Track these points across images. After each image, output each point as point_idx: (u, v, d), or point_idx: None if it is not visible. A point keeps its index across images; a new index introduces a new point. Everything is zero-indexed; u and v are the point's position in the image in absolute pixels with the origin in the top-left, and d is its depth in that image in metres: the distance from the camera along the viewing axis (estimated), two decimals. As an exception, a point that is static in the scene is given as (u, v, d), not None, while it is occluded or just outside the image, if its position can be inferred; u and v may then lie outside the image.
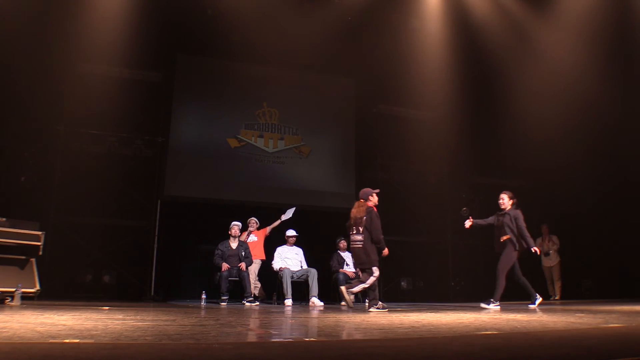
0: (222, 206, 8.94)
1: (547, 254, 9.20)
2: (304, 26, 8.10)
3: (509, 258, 6.09)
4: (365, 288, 5.57)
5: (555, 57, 8.65)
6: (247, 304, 7.06)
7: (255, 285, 7.76)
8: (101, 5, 7.54)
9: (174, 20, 8.19)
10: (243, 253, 7.41)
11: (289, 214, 8.11)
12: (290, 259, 7.82)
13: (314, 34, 8.18)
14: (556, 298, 9.03)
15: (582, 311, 5.11)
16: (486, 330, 3.23)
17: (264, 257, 8.01)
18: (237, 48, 8.51)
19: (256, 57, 9.07)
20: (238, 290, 7.48)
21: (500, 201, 6.39)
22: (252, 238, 8.02)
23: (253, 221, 8.11)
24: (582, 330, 3.22)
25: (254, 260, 7.72)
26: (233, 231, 7.45)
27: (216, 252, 7.38)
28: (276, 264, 7.76)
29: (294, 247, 7.99)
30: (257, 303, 7.34)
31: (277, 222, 8.09)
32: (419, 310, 5.67)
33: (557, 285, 9.16)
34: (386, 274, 8.65)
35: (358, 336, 2.93)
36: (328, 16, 8.29)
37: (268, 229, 8.12)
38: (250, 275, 7.56)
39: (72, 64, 8.02)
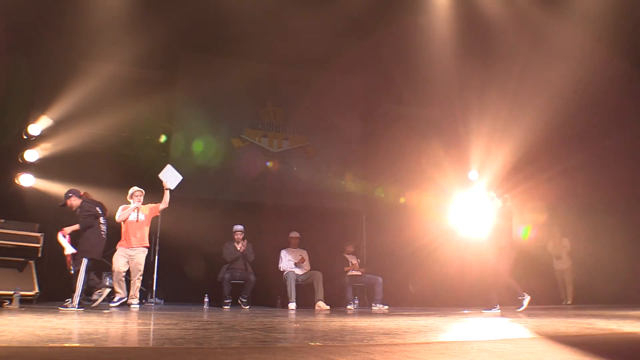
0: (225, 207, 8.85)
1: (558, 257, 9.09)
2: (309, 23, 7.98)
3: None
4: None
5: (569, 55, 8.52)
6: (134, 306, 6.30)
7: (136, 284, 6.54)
8: (102, 2, 7.50)
9: (177, 17, 8.13)
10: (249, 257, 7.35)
11: (173, 181, 6.80)
12: (295, 261, 7.75)
13: (319, 31, 8.08)
14: (568, 302, 8.90)
15: (595, 316, 5.04)
16: (496, 336, 3.18)
17: (147, 245, 6.65)
18: (241, 46, 8.44)
19: (260, 55, 8.98)
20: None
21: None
22: (140, 217, 6.55)
23: (138, 192, 6.63)
24: (595, 335, 3.16)
25: (139, 249, 6.50)
26: (236, 237, 7.37)
27: (224, 250, 7.35)
28: (283, 265, 7.68)
29: (299, 248, 7.92)
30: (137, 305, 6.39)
31: (167, 197, 6.70)
32: (427, 314, 5.60)
33: (569, 289, 9.01)
34: (394, 278, 8.58)
35: (365, 341, 2.87)
36: (334, 13, 8.19)
37: (160, 206, 6.73)
38: (136, 270, 6.45)
39: (72, 61, 7.95)
